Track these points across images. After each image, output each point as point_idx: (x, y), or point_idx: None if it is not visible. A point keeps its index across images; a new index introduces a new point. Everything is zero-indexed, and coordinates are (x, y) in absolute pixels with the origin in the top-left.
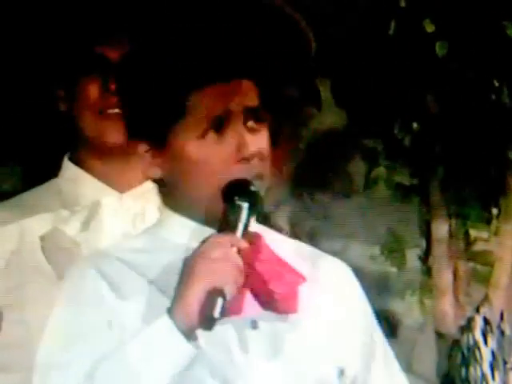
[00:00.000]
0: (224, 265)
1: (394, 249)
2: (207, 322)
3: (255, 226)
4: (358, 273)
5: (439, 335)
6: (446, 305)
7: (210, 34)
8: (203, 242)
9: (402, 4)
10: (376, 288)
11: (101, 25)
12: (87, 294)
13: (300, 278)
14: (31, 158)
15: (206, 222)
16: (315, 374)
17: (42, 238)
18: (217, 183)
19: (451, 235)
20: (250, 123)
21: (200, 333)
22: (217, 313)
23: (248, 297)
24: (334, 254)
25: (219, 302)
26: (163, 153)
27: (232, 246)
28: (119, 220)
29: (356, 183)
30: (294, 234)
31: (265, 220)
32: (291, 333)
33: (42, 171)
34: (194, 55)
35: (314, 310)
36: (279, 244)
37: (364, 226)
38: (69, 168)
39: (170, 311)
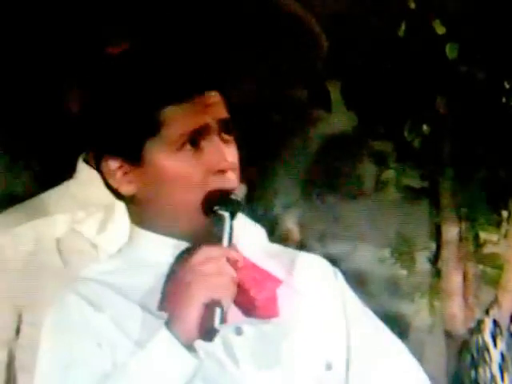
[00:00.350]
0: (219, 278)
1: (403, 251)
2: (208, 333)
3: None
4: (368, 275)
5: (449, 337)
6: (456, 307)
7: (179, 48)
8: (187, 254)
9: (412, 6)
10: (386, 290)
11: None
12: (73, 320)
13: (277, 281)
14: (44, 160)
15: (182, 236)
16: (304, 372)
17: (58, 240)
18: (194, 196)
19: (461, 238)
20: (224, 135)
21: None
22: (217, 323)
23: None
24: (344, 256)
25: (218, 312)
26: (137, 169)
27: (223, 257)
28: None
29: (366, 185)
30: (304, 237)
31: (274, 222)
32: (275, 335)
33: (55, 173)
34: (164, 70)
35: (293, 309)
36: (251, 248)
37: (373, 229)
38: (84, 169)
39: (168, 326)
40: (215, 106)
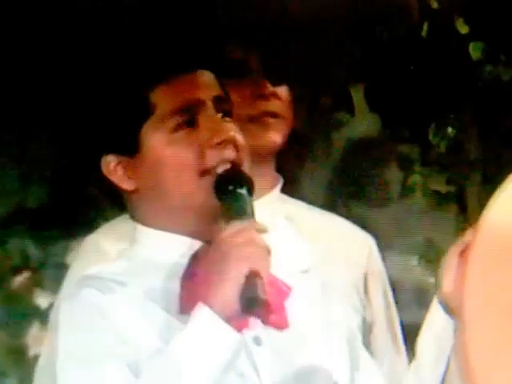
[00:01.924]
0: (254, 248)
1: (431, 259)
2: (251, 303)
3: None
4: (396, 284)
5: None
6: None
7: (169, 26)
8: (222, 231)
9: (435, 5)
10: (414, 300)
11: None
12: (91, 313)
13: (287, 288)
14: (57, 173)
15: (189, 230)
16: None
17: None
18: (196, 175)
19: None
20: (222, 114)
21: None
22: (261, 293)
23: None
24: None
25: (259, 282)
26: (135, 161)
27: (253, 228)
28: None
29: (391, 191)
30: None
31: None
32: (289, 346)
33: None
34: (152, 48)
35: (306, 321)
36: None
37: (400, 236)
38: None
39: (206, 302)
40: (207, 84)
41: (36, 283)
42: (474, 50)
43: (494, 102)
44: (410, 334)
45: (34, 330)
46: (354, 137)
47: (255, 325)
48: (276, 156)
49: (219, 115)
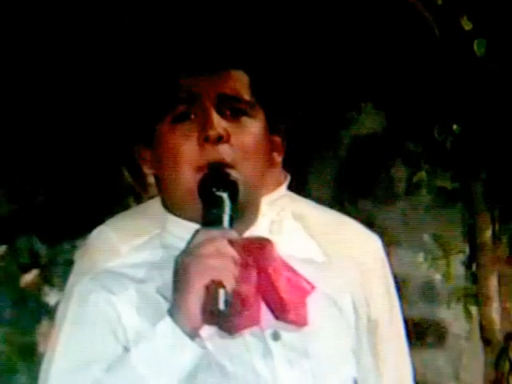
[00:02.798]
0: (219, 259)
1: (438, 255)
2: (213, 316)
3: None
4: (403, 280)
5: (486, 343)
6: (492, 312)
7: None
8: (191, 238)
9: (439, 2)
10: (422, 296)
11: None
12: (96, 315)
13: (310, 286)
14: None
15: (192, 217)
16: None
17: None
18: (192, 171)
19: (495, 240)
20: (226, 111)
21: (224, 353)
22: (222, 304)
23: (264, 307)
24: None
25: (221, 293)
26: (153, 151)
27: (223, 238)
28: (255, 227)
29: (398, 189)
30: None
31: None
32: (311, 343)
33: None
34: (179, 45)
35: (326, 318)
36: (291, 254)
37: (407, 233)
38: None
39: (171, 313)
40: (222, 82)
41: (45, 281)
42: (478, 47)
43: (498, 98)
44: (417, 329)
45: (43, 326)
46: (360, 135)
47: (273, 320)
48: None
49: (226, 111)
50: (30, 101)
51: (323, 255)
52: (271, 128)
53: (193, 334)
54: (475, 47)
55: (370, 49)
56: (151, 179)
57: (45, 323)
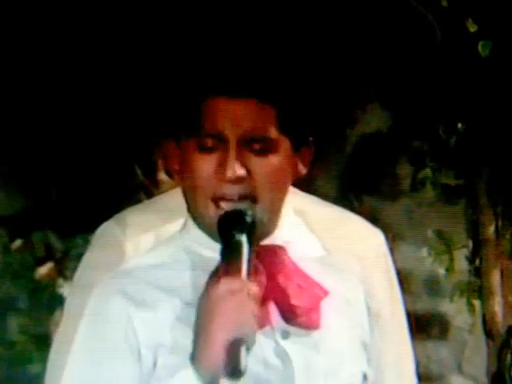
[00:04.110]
0: (241, 314)
1: (441, 250)
2: (234, 373)
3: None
4: (407, 275)
5: (489, 336)
6: (495, 305)
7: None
8: (209, 280)
9: (444, 3)
10: (425, 290)
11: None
12: (112, 319)
13: (322, 292)
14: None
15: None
16: (345, 381)
17: None
18: (208, 200)
19: (498, 235)
20: (250, 148)
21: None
22: (243, 365)
23: (274, 309)
24: None
25: (243, 352)
26: (179, 155)
27: (244, 291)
28: None
29: (403, 185)
30: None
31: None
32: (321, 342)
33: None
34: (212, 60)
35: (338, 320)
36: (303, 256)
37: (412, 228)
38: None
39: (193, 361)
40: (248, 117)
41: (59, 273)
42: (483, 48)
43: (503, 97)
44: (421, 322)
45: (57, 317)
46: (366, 132)
47: (282, 321)
48: None
49: (248, 149)
50: (44, 98)
51: (324, 250)
52: (297, 146)
53: (213, 382)
54: (480, 49)
55: (377, 51)
56: (162, 176)
57: (58, 314)
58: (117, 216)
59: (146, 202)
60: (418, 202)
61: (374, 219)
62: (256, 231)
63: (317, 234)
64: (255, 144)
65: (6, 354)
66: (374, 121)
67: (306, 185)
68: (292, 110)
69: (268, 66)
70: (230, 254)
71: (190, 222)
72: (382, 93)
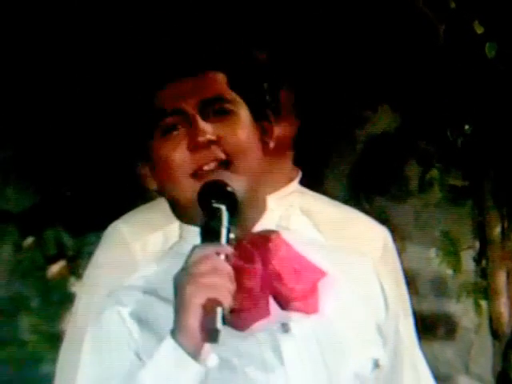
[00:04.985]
0: (215, 277)
1: (449, 251)
2: (211, 335)
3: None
4: (415, 275)
5: (495, 336)
6: (501, 306)
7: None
8: (189, 255)
9: (452, 5)
10: (433, 290)
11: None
12: (114, 334)
13: (319, 273)
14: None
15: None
16: (351, 370)
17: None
18: (188, 178)
19: (504, 237)
20: (211, 114)
21: (233, 350)
22: (219, 324)
23: (272, 301)
24: None
25: (219, 312)
26: (152, 166)
27: (218, 254)
28: (263, 222)
29: (411, 186)
30: None
31: None
32: (321, 332)
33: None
34: (154, 52)
35: (339, 304)
36: (297, 237)
37: (419, 228)
38: None
39: (173, 333)
40: (200, 86)
41: (70, 271)
42: (490, 50)
43: (509, 99)
44: (428, 322)
45: (68, 316)
46: (376, 133)
47: (282, 312)
48: (298, 150)
49: (209, 114)
50: (56, 96)
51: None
52: (256, 115)
53: (195, 353)
54: (486, 50)
55: (386, 52)
56: None
57: (71, 312)
58: (124, 216)
59: (155, 201)
60: (425, 203)
61: (382, 219)
62: (239, 205)
63: (324, 234)
64: (215, 104)
65: (18, 353)
66: (382, 122)
67: (315, 185)
68: (241, 72)
69: (209, 37)
70: (209, 221)
71: (184, 229)
72: (392, 95)
